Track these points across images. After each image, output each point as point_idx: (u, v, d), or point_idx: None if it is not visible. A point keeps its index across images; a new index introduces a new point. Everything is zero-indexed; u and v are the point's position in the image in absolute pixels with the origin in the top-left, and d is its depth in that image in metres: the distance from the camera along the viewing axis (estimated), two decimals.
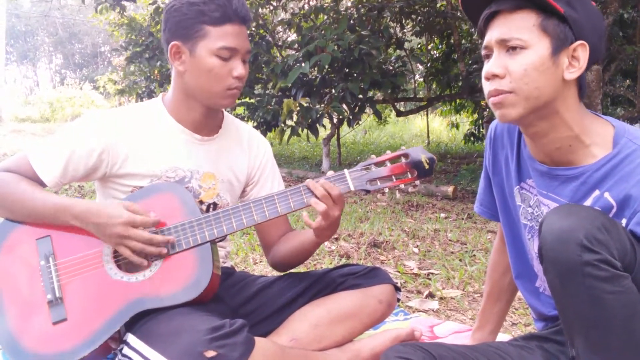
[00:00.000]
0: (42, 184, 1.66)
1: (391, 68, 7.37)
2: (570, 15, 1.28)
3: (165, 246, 1.56)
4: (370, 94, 7.53)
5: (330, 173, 1.61)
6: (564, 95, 1.33)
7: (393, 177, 1.57)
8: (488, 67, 1.34)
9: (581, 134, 1.35)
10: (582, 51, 1.30)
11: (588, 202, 1.34)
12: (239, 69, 1.65)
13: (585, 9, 1.30)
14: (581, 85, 1.35)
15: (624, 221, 1.27)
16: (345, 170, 1.58)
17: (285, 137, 6.84)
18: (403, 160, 1.57)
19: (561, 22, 1.29)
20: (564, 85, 1.32)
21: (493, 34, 1.34)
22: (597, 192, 1.33)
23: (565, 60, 1.30)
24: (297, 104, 6.29)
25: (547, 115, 1.34)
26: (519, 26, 1.30)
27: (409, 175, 1.57)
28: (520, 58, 1.30)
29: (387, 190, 1.58)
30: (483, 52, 1.38)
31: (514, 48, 1.30)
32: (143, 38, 8.99)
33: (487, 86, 1.36)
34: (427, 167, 1.56)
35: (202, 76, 1.65)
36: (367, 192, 1.58)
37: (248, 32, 1.71)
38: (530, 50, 1.29)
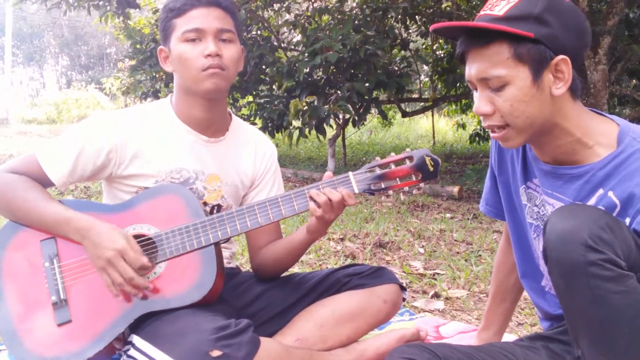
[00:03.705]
0: (49, 183, 1.67)
1: (396, 68, 7.35)
2: (542, 35, 1.25)
3: (143, 292, 1.54)
4: (376, 94, 7.52)
5: (328, 174, 1.60)
6: (558, 108, 1.32)
7: (397, 179, 1.56)
8: (476, 106, 1.34)
9: (583, 136, 1.34)
10: (564, 65, 1.27)
11: (592, 201, 1.34)
12: (209, 47, 1.63)
13: (558, 17, 1.26)
14: (572, 88, 1.32)
15: (627, 220, 1.27)
16: (350, 173, 1.58)
17: (294, 139, 6.84)
18: (407, 162, 1.57)
19: (535, 44, 1.26)
20: (554, 101, 1.31)
21: (471, 71, 1.33)
22: (600, 191, 1.32)
23: (550, 77, 1.28)
24: (305, 103, 6.28)
25: (546, 130, 1.34)
26: (494, 62, 1.28)
27: (414, 178, 1.56)
28: (504, 95, 1.29)
29: (391, 192, 1.58)
30: (467, 82, 1.38)
31: (495, 86, 1.29)
32: (146, 46, 9.06)
33: (481, 120, 1.37)
34: (431, 169, 1.55)
35: (179, 66, 1.68)
36: (372, 194, 1.58)
37: (228, 15, 1.71)
38: (511, 85, 1.28)
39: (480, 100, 1.33)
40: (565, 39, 1.27)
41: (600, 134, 1.34)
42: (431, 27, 1.39)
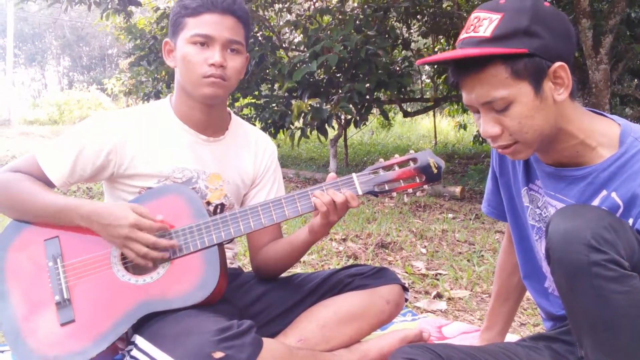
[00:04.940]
0: (50, 184, 1.67)
1: (398, 69, 7.35)
2: (535, 48, 1.24)
3: (169, 251, 1.56)
4: (377, 95, 7.52)
5: (332, 175, 1.61)
6: (561, 113, 1.32)
7: (401, 181, 1.56)
8: (484, 129, 1.33)
9: (586, 138, 1.34)
10: (562, 71, 1.27)
11: (595, 203, 1.33)
12: (214, 56, 1.63)
13: (545, 25, 1.26)
14: (570, 90, 1.31)
15: (630, 221, 1.26)
16: (354, 175, 1.58)
17: (296, 139, 6.84)
18: (411, 164, 1.56)
19: (530, 58, 1.25)
20: (557, 107, 1.30)
21: (472, 97, 1.31)
22: (604, 192, 1.32)
23: (550, 85, 1.28)
24: (308, 105, 6.29)
25: (552, 135, 1.34)
26: (494, 84, 1.27)
27: (417, 180, 1.56)
28: (510, 114, 1.28)
29: (394, 194, 1.58)
30: (467, 107, 1.37)
31: (500, 107, 1.29)
32: (146, 41, 9.10)
33: (489, 142, 1.37)
34: (435, 172, 1.55)
35: (182, 66, 1.67)
36: (375, 195, 1.58)
37: (241, 25, 1.70)
38: (516, 103, 1.27)
39: (487, 123, 1.32)
40: (557, 45, 1.27)
41: (602, 134, 1.34)
42: (417, 62, 1.40)
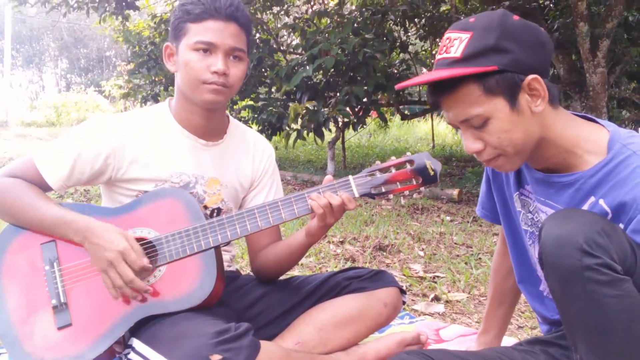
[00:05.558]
0: (47, 187, 1.67)
1: (395, 71, 7.36)
2: (505, 64, 1.25)
3: (142, 295, 1.54)
4: (374, 98, 7.52)
5: (328, 177, 1.61)
6: (542, 123, 1.32)
7: (398, 183, 1.57)
8: (466, 145, 1.36)
9: (570, 146, 1.35)
10: (536, 83, 1.28)
11: (584, 209, 1.33)
12: (217, 64, 1.62)
13: (514, 40, 1.26)
14: (550, 98, 1.31)
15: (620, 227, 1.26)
16: (350, 177, 1.58)
17: (291, 141, 6.84)
18: (408, 166, 1.57)
19: (501, 74, 1.26)
20: (537, 118, 1.31)
21: (450, 116, 1.34)
22: (592, 199, 1.32)
23: (526, 97, 1.29)
24: (304, 107, 6.28)
25: (536, 145, 1.35)
26: (468, 103, 1.29)
27: (414, 182, 1.56)
28: (488, 130, 1.30)
29: (391, 196, 1.58)
30: (449, 124, 1.39)
31: (477, 124, 1.30)
32: (144, 48, 9.12)
33: (476, 157, 1.39)
34: (432, 174, 1.55)
35: (183, 71, 1.66)
36: (372, 197, 1.58)
37: (243, 32, 1.69)
38: (493, 119, 1.29)
39: (468, 139, 1.35)
40: (528, 58, 1.27)
41: (588, 141, 1.34)
42: (396, 87, 1.42)
